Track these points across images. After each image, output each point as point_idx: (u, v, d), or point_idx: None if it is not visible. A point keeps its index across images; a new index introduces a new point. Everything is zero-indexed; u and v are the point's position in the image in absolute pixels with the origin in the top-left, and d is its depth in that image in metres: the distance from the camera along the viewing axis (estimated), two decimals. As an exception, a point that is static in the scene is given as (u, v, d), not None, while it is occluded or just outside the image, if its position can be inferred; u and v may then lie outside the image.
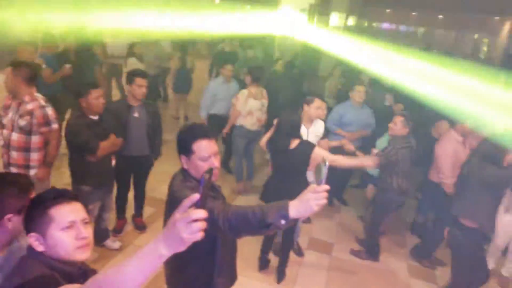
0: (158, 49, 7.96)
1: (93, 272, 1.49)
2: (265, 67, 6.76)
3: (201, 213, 1.01)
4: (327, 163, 1.46)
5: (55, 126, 3.29)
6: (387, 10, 22.12)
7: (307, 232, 4.52)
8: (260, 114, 5.08)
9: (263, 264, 3.80)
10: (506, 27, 18.76)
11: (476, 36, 23.55)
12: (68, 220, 1.39)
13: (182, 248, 1.03)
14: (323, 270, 3.95)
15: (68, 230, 1.38)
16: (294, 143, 3.36)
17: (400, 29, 28.28)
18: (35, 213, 1.40)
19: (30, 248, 1.41)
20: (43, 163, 3.35)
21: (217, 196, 2.00)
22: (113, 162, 3.50)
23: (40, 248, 1.38)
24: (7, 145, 3.27)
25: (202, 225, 1.01)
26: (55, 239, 1.37)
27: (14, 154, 3.26)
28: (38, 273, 1.33)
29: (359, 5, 17.87)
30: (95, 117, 3.28)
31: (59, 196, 1.43)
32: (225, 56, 8.27)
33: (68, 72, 5.32)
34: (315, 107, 3.78)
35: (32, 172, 3.30)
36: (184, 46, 7.79)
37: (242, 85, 5.56)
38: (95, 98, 3.21)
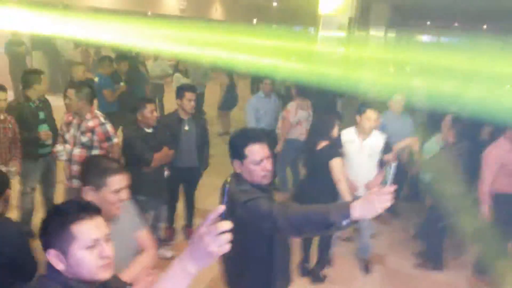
0: (203, 68, 8.28)
1: None
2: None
3: (228, 225, 1.00)
4: (395, 163, 1.45)
5: (115, 140, 3.48)
6: (428, 23, 21.65)
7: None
8: (307, 124, 5.13)
9: (304, 272, 3.79)
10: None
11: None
12: (92, 238, 1.28)
13: (209, 263, 1.03)
14: (376, 283, 3.85)
15: (92, 249, 1.28)
16: (321, 145, 3.40)
17: (442, 41, 27.59)
18: (56, 228, 1.28)
19: (49, 266, 1.30)
20: None
21: (271, 197, 2.03)
22: (166, 173, 3.63)
23: (59, 266, 1.28)
24: (70, 159, 3.49)
25: (229, 236, 1.00)
26: (78, 258, 1.27)
27: (75, 167, 3.46)
28: None
29: (398, 18, 17.68)
30: (149, 130, 3.45)
31: (82, 211, 1.31)
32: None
33: (123, 90, 5.65)
34: (366, 117, 3.64)
35: None
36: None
37: (283, 100, 5.65)
38: (149, 112, 3.39)
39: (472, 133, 4.50)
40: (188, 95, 3.84)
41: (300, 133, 5.12)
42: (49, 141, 3.86)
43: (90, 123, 3.41)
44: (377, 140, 3.76)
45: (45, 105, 4.00)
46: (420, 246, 4.27)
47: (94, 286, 1.31)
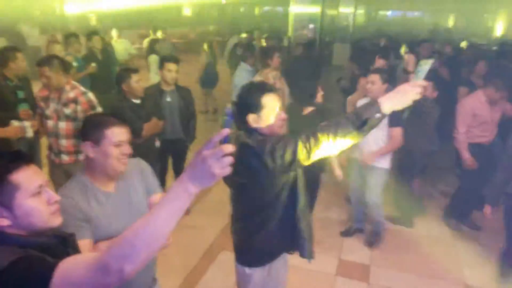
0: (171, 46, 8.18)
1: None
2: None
3: (231, 148, 1.01)
4: (431, 61, 1.57)
5: (99, 109, 3.42)
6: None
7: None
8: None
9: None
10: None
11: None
12: (36, 184, 1.22)
13: (210, 184, 1.05)
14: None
15: (38, 196, 1.22)
16: (307, 110, 3.47)
17: (407, 15, 28.11)
18: None
19: None
20: None
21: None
22: (157, 143, 3.63)
23: (5, 222, 1.18)
24: (56, 134, 3.40)
25: (231, 159, 1.02)
26: (26, 208, 1.19)
27: (63, 142, 3.39)
28: (13, 259, 1.09)
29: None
30: (137, 101, 3.42)
31: (18, 159, 1.22)
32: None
33: (92, 70, 5.49)
34: (369, 81, 3.49)
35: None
36: (211, 41, 8.01)
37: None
38: (136, 82, 3.35)
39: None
40: (168, 65, 3.82)
41: None
42: (31, 121, 3.75)
43: (71, 94, 3.32)
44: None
45: (25, 84, 3.87)
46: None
47: (49, 236, 1.24)
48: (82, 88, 3.40)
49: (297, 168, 1.95)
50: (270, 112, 1.96)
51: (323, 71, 8.22)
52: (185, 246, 3.40)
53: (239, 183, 2.03)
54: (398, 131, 3.49)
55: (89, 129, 1.74)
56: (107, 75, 5.77)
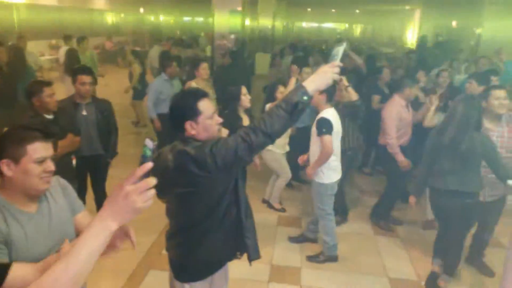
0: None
1: None
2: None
3: (154, 180, 1.02)
4: (344, 44, 1.76)
5: None
6: (309, 9, 23.14)
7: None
8: None
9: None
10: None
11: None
12: None
13: (131, 218, 1.04)
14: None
15: None
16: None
17: (322, 27, 29.99)
18: None
19: None
20: None
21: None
22: (74, 161, 3.38)
23: None
24: None
25: (154, 192, 1.03)
26: None
27: None
28: None
29: (284, 6, 18.66)
30: (50, 116, 3.16)
31: None
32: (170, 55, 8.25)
33: None
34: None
35: None
36: (140, 52, 7.72)
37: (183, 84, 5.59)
38: (48, 96, 3.11)
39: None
40: (81, 78, 3.58)
41: None
42: None
43: None
44: (319, 118, 3.50)
45: None
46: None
47: None
48: None
49: (238, 166, 1.96)
50: (208, 116, 1.96)
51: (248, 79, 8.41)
52: (109, 270, 3.20)
53: (178, 194, 1.97)
54: (327, 139, 3.43)
55: (7, 145, 1.56)
56: (13, 89, 5.28)
